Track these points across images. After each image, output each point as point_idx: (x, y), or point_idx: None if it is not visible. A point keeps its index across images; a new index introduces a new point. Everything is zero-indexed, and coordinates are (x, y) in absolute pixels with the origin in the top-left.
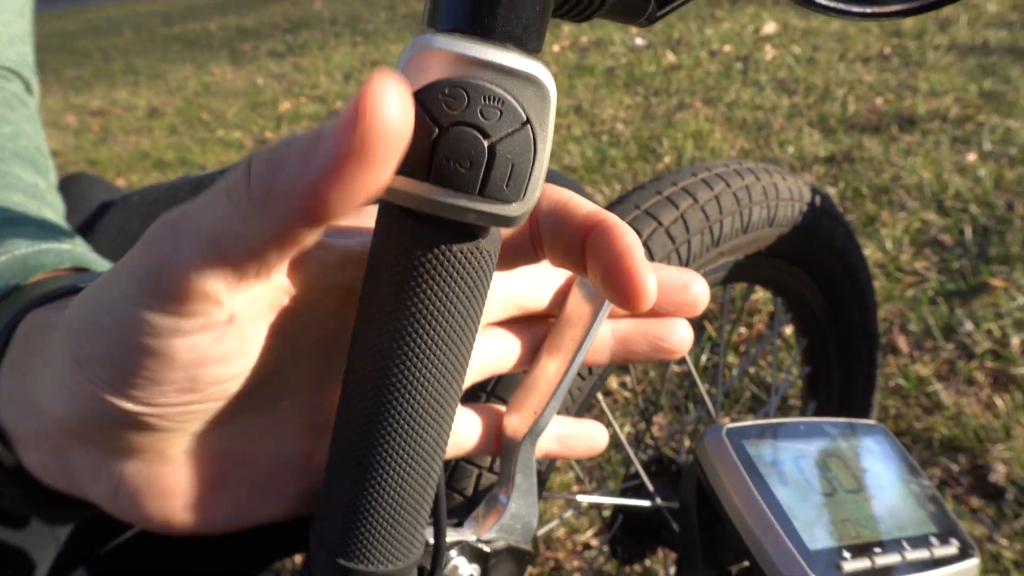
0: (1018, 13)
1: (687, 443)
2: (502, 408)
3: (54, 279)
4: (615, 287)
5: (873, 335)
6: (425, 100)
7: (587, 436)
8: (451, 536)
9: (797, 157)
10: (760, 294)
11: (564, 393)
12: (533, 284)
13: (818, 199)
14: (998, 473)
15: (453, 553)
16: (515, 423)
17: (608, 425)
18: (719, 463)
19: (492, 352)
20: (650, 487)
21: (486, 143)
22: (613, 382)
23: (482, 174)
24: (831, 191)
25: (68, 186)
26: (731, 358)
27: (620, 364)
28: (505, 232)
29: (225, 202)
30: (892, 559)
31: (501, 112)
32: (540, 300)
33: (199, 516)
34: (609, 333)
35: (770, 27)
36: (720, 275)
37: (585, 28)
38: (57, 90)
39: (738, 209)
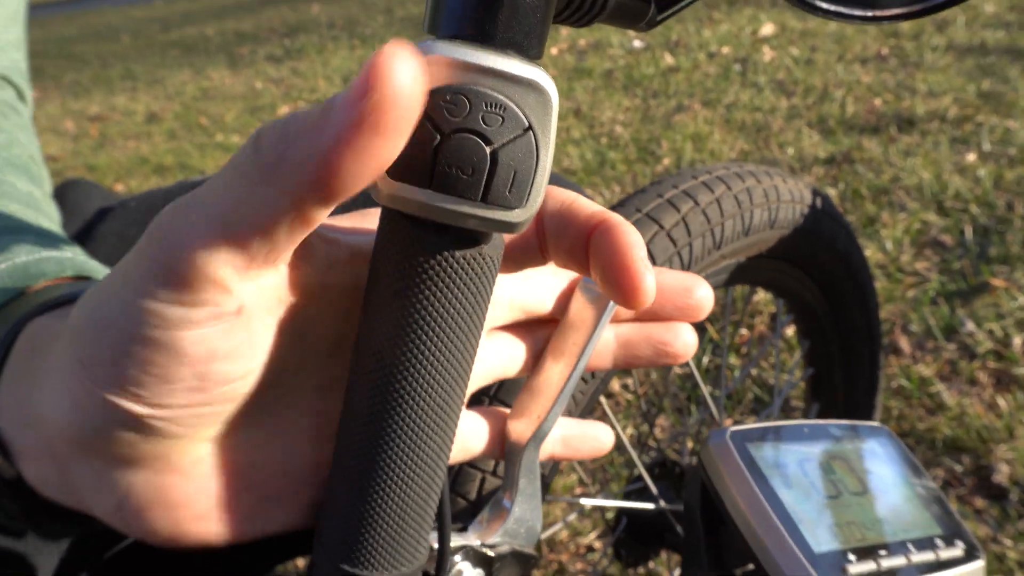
0: (1015, 14)
1: (690, 445)
2: (507, 411)
3: (56, 287)
4: (614, 283)
5: (875, 336)
6: (427, 107)
7: (592, 438)
8: (455, 541)
9: (796, 158)
10: (761, 295)
11: (568, 397)
12: (536, 288)
13: (819, 201)
14: (1001, 473)
15: (457, 558)
16: (519, 428)
17: (611, 427)
18: (723, 466)
19: (497, 357)
20: (654, 490)
21: (488, 149)
22: (615, 384)
23: (484, 180)
24: (831, 192)
25: (65, 193)
26: (733, 360)
27: (623, 369)
28: (510, 235)
29: (234, 177)
30: (898, 561)
31: (503, 118)
32: (544, 304)
33: (207, 529)
34: (612, 338)
35: (768, 29)
36: (722, 278)
37: (583, 31)
38: (55, 96)
39: (739, 212)
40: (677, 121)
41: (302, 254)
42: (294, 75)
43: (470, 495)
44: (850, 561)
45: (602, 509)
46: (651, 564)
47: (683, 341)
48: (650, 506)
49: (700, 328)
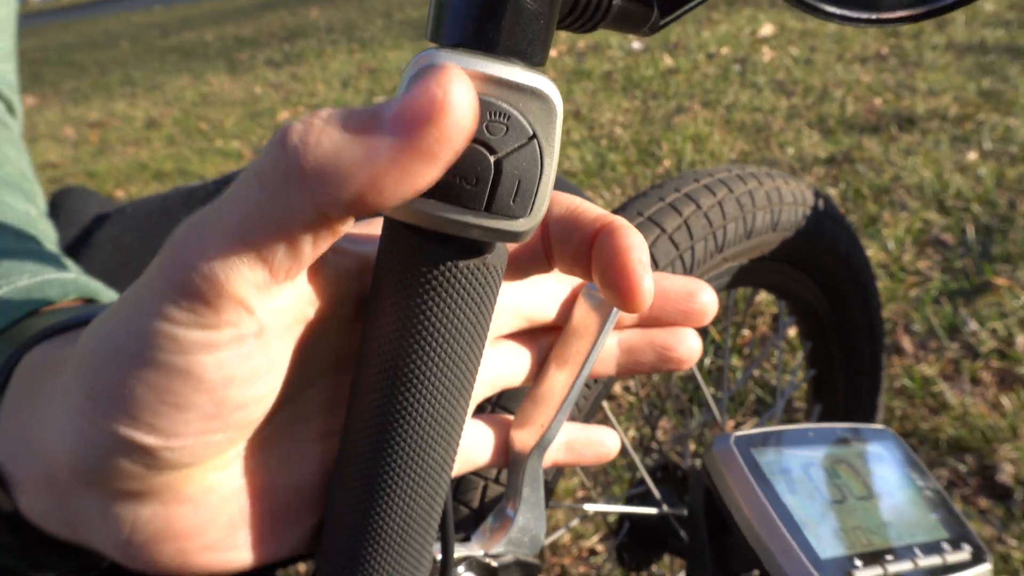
0: (1015, 12)
1: (692, 447)
2: (510, 418)
3: (59, 312)
4: (612, 286)
5: (877, 337)
6: None
7: (596, 442)
8: (459, 551)
9: (797, 158)
10: (763, 296)
11: (571, 405)
12: (540, 295)
13: (821, 202)
14: (1006, 473)
15: (461, 569)
16: (522, 436)
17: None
18: (727, 471)
19: (501, 366)
20: (656, 494)
21: (492, 159)
22: (617, 386)
23: (488, 190)
24: (832, 192)
25: (61, 200)
26: (735, 361)
27: (627, 375)
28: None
29: (255, 188)
30: (904, 566)
31: (507, 127)
32: (547, 312)
33: (216, 559)
34: (616, 344)
35: (767, 29)
36: (724, 280)
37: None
38: (55, 102)
39: (742, 215)
40: (677, 122)
41: (316, 267)
42: (293, 80)
43: (473, 503)
44: (856, 567)
45: (605, 513)
46: (654, 568)
47: (687, 346)
48: (653, 511)
49: (702, 330)
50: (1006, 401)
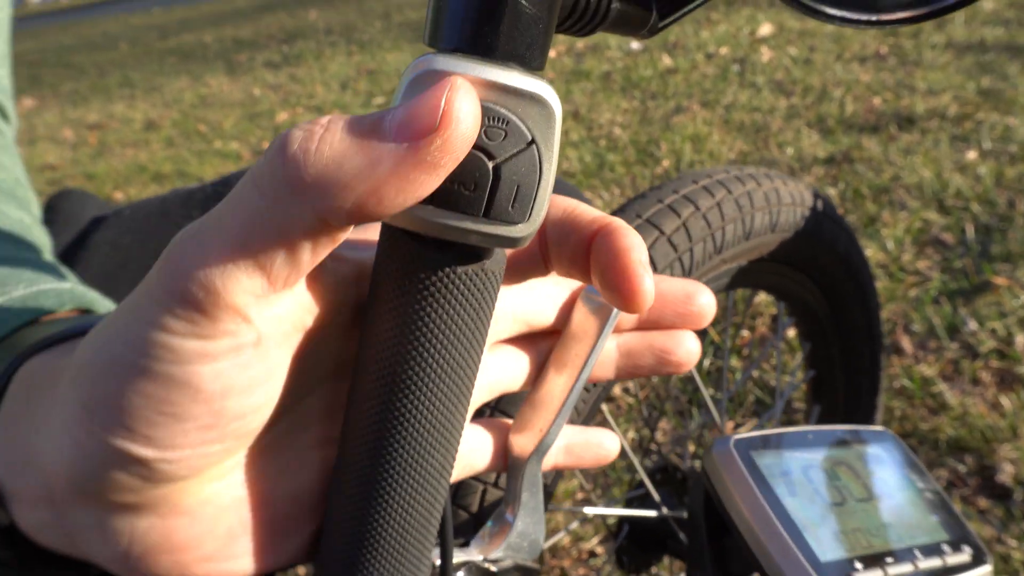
0: (1014, 11)
1: (692, 448)
2: (509, 422)
3: (55, 322)
4: (612, 286)
5: (876, 337)
6: None
7: (596, 445)
8: (457, 557)
9: (796, 158)
10: (763, 296)
11: (570, 410)
12: (539, 299)
13: (820, 203)
14: (1005, 473)
15: (460, 574)
16: (521, 441)
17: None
18: (727, 474)
19: (499, 371)
20: (656, 496)
21: (490, 164)
22: (616, 388)
23: (487, 196)
24: (831, 192)
25: (59, 203)
26: (734, 362)
27: (626, 379)
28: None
29: (254, 195)
30: (904, 569)
31: (506, 133)
32: (546, 316)
33: (215, 570)
34: (614, 348)
35: (766, 29)
36: (723, 282)
37: None
38: (54, 104)
39: (740, 216)
40: (676, 122)
41: (314, 274)
42: (292, 81)
43: (472, 507)
44: (856, 569)
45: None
46: (654, 570)
47: (685, 349)
48: (652, 514)
49: (701, 331)
50: (1006, 401)
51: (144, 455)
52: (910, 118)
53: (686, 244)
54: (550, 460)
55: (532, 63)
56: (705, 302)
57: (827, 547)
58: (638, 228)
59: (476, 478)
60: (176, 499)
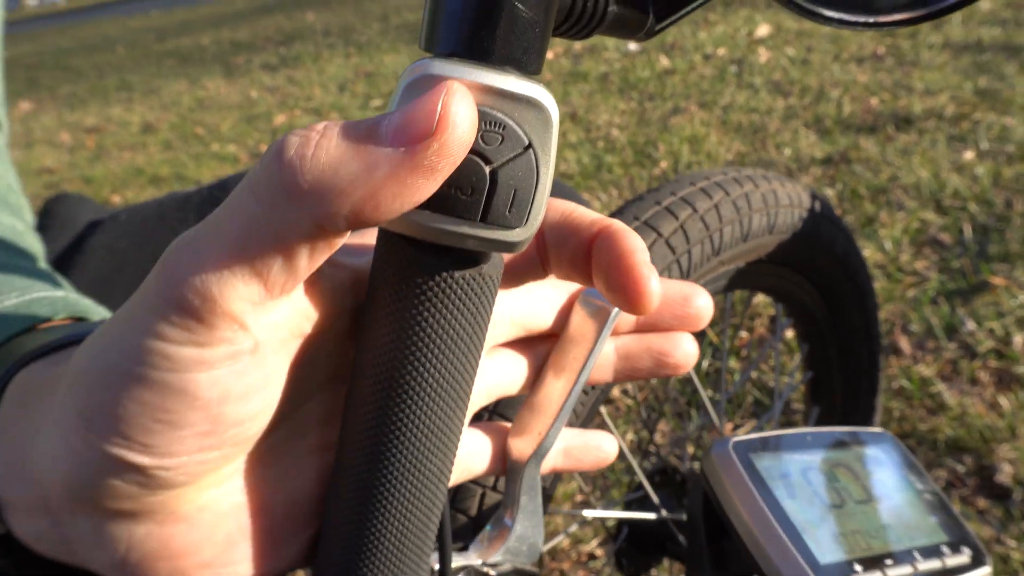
0: (1011, 11)
1: (691, 450)
2: (508, 425)
3: (49, 331)
4: (618, 288)
5: (874, 338)
6: None
7: (594, 447)
8: (456, 561)
9: (794, 159)
10: (761, 297)
11: (569, 413)
12: (536, 303)
13: (817, 204)
14: (1004, 473)
15: None
16: (520, 445)
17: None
18: (726, 476)
19: (497, 375)
20: (655, 499)
21: (487, 169)
22: (615, 390)
23: (484, 200)
24: (828, 192)
25: (55, 206)
26: (733, 363)
27: (624, 381)
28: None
29: (250, 203)
30: (904, 571)
31: (502, 137)
32: (544, 319)
33: (215, 574)
34: (612, 350)
35: (763, 30)
36: (721, 284)
37: None
38: (52, 107)
39: (738, 217)
40: (673, 123)
41: (311, 280)
42: (290, 83)
43: (470, 511)
44: (855, 571)
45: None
46: (653, 572)
47: (683, 351)
48: (652, 516)
49: (699, 333)
50: (1004, 401)
51: (141, 462)
52: (907, 118)
53: (684, 246)
54: (549, 463)
55: (529, 67)
56: (703, 304)
57: (826, 549)
58: (636, 230)
59: (475, 482)
60: (174, 506)
